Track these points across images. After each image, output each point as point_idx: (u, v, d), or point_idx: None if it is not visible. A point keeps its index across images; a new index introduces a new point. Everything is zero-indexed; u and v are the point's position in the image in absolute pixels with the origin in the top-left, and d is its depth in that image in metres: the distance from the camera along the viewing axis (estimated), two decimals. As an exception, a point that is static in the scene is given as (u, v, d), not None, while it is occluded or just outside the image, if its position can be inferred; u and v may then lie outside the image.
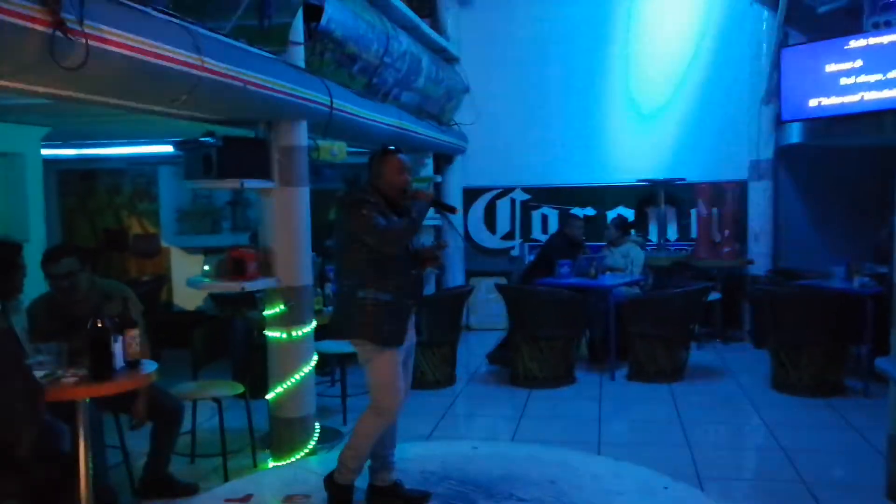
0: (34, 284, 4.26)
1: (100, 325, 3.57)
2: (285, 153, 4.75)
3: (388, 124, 6.57)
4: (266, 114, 4.63)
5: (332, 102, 5.12)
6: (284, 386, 4.92)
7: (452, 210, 4.33)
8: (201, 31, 3.77)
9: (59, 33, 2.67)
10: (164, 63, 3.29)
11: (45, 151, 9.53)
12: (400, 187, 3.92)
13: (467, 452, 4.99)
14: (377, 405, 3.91)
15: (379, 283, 3.83)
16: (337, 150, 5.35)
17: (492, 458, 4.86)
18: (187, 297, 9.62)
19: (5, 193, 6.38)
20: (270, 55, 4.46)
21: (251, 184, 4.65)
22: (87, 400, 3.67)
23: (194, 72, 3.56)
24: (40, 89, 3.00)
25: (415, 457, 4.87)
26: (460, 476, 4.53)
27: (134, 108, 3.98)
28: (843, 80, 7.77)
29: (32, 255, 4.32)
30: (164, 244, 10.01)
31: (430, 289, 8.87)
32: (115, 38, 2.96)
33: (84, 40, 2.76)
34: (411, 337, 4.06)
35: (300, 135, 4.82)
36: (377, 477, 4.13)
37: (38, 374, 3.51)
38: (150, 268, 10.03)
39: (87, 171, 10.53)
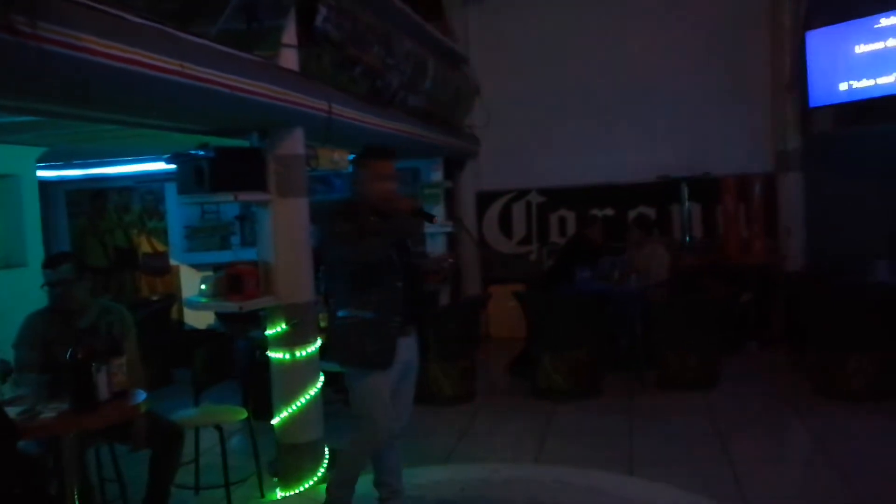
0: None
1: (80, 356, 3.30)
2: (281, 163, 4.46)
3: (393, 129, 6.26)
4: (258, 121, 4.36)
5: (330, 107, 4.84)
6: (290, 410, 4.64)
7: (431, 219, 3.80)
8: (181, 35, 3.48)
9: (7, 36, 2.39)
10: (137, 69, 3.00)
11: (52, 173, 9.43)
12: (381, 196, 3.57)
13: (487, 477, 4.67)
14: (361, 432, 3.65)
15: (360, 301, 3.54)
16: (338, 157, 5.05)
17: (515, 484, 4.54)
18: (198, 316, 9.36)
19: (3, 216, 6.18)
20: (260, 59, 4.17)
21: (246, 196, 4.37)
22: (72, 435, 3.40)
23: (174, 78, 3.27)
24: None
25: (430, 483, 4.57)
26: None
27: (118, 121, 3.72)
28: (875, 61, 7.36)
29: (32, 280, 4.14)
30: (173, 262, 9.79)
31: (444, 300, 8.55)
32: (74, 42, 2.67)
33: (36, 44, 2.48)
34: (407, 357, 3.71)
35: (296, 143, 4.54)
36: None
37: (17, 409, 3.25)
38: (160, 286, 9.82)
39: (96, 191, 10.36)
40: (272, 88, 4.08)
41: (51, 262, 3.98)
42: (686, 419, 5.92)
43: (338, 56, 5.44)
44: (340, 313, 3.57)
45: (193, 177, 4.41)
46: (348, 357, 3.62)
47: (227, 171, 4.32)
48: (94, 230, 10.29)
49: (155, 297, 9.12)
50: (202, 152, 4.34)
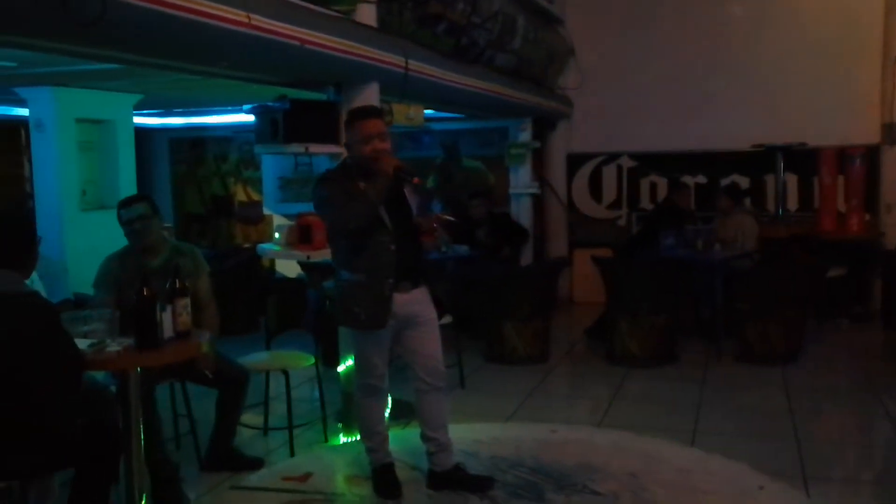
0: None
1: (146, 292, 3.45)
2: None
3: (476, 87, 6.22)
4: (332, 75, 4.41)
5: (407, 63, 4.84)
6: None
7: (412, 180, 3.59)
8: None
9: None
10: (199, 18, 3.08)
11: (155, 120, 9.84)
12: (369, 156, 3.51)
13: (545, 437, 4.67)
14: (357, 385, 3.84)
15: (352, 263, 3.59)
16: (413, 113, 5.07)
17: (570, 445, 4.52)
18: (289, 265, 9.64)
19: (99, 160, 6.49)
20: (332, 13, 4.21)
21: (317, 148, 4.45)
22: (139, 370, 3.57)
23: (240, 29, 3.35)
24: (58, 46, 2.85)
25: (488, 439, 4.60)
26: (533, 463, 4.23)
27: (193, 71, 3.83)
28: None
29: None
30: (266, 211, 10.08)
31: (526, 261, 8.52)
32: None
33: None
34: (408, 311, 3.67)
35: (370, 98, 4.57)
36: (434, 461, 3.87)
37: (87, 342, 3.43)
38: (253, 235, 10.14)
39: (196, 140, 10.75)
40: (344, 42, 4.11)
41: (126, 202, 4.15)
42: (759, 393, 5.75)
43: (419, 12, 5.43)
44: (341, 275, 3.63)
45: (268, 128, 4.52)
46: (344, 319, 3.71)
47: (301, 123, 4.40)
48: (193, 178, 10.72)
49: (247, 246, 9.43)
50: (277, 104, 4.44)
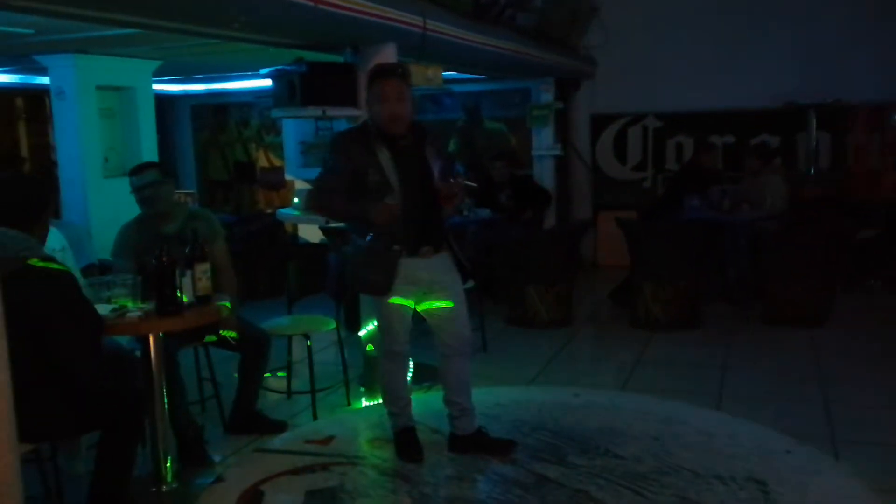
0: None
1: (165, 259, 3.45)
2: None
3: (496, 47, 6.11)
4: (348, 36, 4.34)
5: (425, 24, 4.75)
6: (375, 322, 4.73)
7: (395, 145, 3.50)
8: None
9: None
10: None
11: (177, 87, 9.83)
12: (386, 118, 3.44)
13: (568, 401, 4.64)
14: (381, 350, 3.84)
15: (359, 229, 3.55)
16: (432, 74, 4.98)
17: (593, 408, 4.49)
18: (312, 230, 9.64)
19: (120, 127, 6.50)
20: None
21: (335, 111, 4.40)
22: (161, 335, 3.59)
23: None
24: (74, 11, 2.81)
25: (510, 402, 4.59)
26: (555, 427, 4.21)
27: (208, 34, 3.78)
28: None
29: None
30: (288, 177, 10.06)
31: (549, 224, 8.44)
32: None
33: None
34: (425, 277, 3.61)
35: (388, 59, 4.49)
36: (456, 425, 3.87)
37: (109, 307, 3.45)
38: (276, 200, 10.14)
39: (218, 106, 10.74)
40: (358, 2, 4.03)
41: (136, 170, 4.13)
42: (786, 357, 5.65)
43: (437, -30, 5.32)
44: (353, 239, 3.64)
45: (286, 91, 4.47)
46: (354, 283, 3.72)
47: (318, 85, 4.36)
48: (216, 144, 10.72)
49: (269, 211, 9.44)
50: (294, 67, 4.38)
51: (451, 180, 3.45)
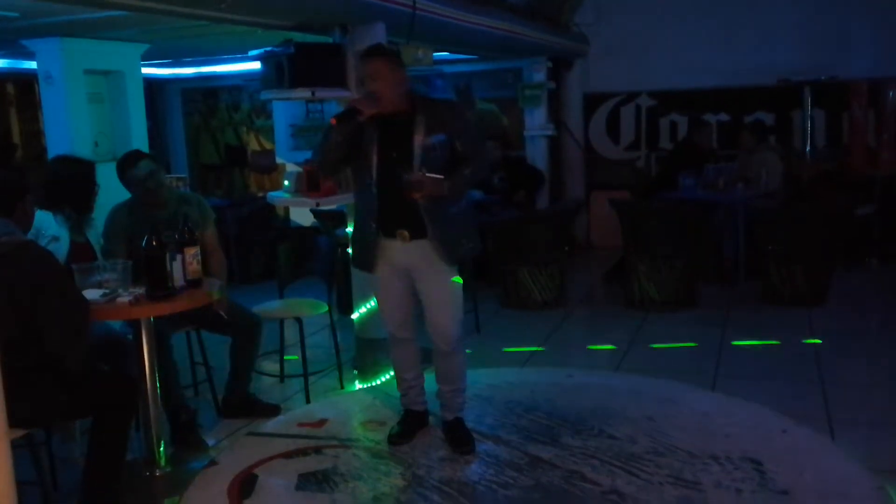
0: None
1: (155, 243, 3.42)
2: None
3: (487, 26, 6.05)
4: (336, 16, 4.28)
5: (414, 3, 4.69)
6: (368, 306, 4.71)
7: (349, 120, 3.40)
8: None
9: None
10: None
11: (167, 71, 9.73)
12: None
13: (561, 381, 4.63)
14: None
15: (354, 209, 3.58)
16: (422, 54, 4.93)
17: (587, 389, 4.48)
18: (304, 213, 9.59)
19: (110, 111, 6.43)
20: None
21: (324, 93, 4.34)
22: (152, 319, 3.56)
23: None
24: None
25: (503, 384, 4.57)
26: (549, 408, 4.19)
27: (198, 16, 3.72)
28: None
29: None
30: (279, 160, 9.99)
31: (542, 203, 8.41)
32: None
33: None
34: (404, 261, 3.54)
35: (376, 39, 4.43)
36: (442, 410, 3.89)
37: (99, 292, 3.42)
38: (267, 184, 10.06)
39: (208, 90, 10.65)
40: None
41: (130, 162, 4.08)
42: (784, 336, 5.62)
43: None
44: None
45: (274, 73, 4.41)
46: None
47: (306, 67, 4.29)
48: (207, 128, 10.64)
49: (261, 194, 9.38)
50: (282, 49, 4.32)
51: (420, 171, 3.36)
